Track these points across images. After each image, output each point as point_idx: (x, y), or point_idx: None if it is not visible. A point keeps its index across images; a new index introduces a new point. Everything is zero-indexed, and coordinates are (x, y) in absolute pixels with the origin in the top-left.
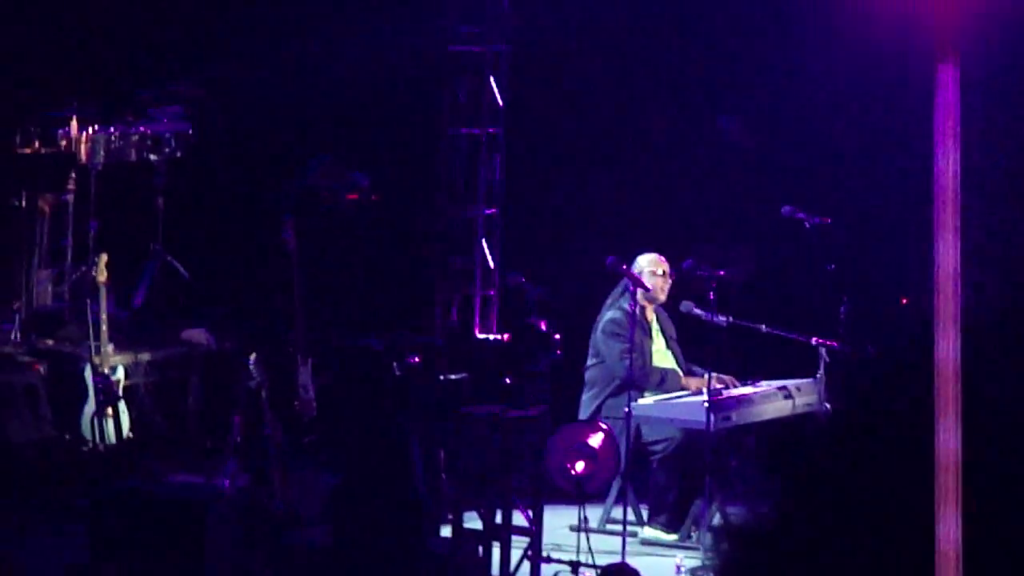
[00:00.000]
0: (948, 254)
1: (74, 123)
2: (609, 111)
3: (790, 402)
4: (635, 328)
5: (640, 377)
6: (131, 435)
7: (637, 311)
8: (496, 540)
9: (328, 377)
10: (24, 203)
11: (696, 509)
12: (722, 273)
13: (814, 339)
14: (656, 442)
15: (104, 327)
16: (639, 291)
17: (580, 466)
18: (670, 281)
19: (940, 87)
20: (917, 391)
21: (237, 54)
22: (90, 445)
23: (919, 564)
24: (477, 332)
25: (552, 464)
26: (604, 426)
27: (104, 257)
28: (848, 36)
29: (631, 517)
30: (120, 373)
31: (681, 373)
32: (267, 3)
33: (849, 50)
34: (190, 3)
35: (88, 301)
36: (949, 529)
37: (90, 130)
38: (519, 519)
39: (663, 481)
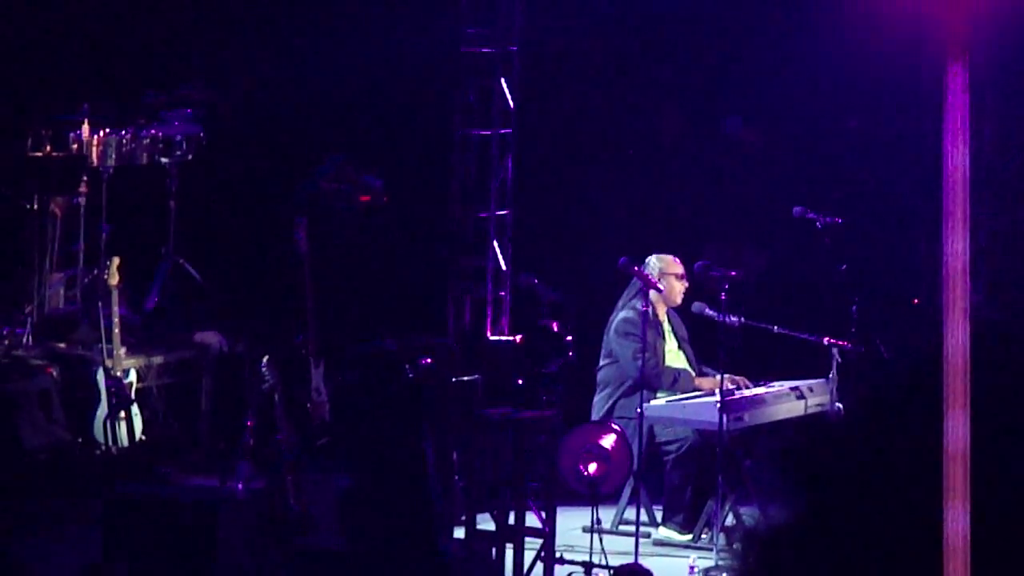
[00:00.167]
0: (957, 245)
1: (85, 126)
2: (620, 112)
3: (802, 402)
4: (648, 328)
5: (653, 377)
6: (143, 438)
7: (650, 311)
8: (509, 541)
9: (341, 379)
10: (36, 206)
11: (709, 509)
12: (734, 274)
13: (826, 339)
14: (669, 442)
15: (116, 330)
16: (653, 292)
17: (593, 467)
18: (686, 284)
19: (950, 79)
20: (930, 391)
21: (248, 57)
22: (103, 448)
23: (931, 563)
24: (489, 334)
25: (565, 465)
26: (617, 427)
27: (116, 260)
28: (858, 35)
29: (644, 518)
30: (132, 376)
31: (693, 374)
32: (278, 6)
33: (859, 49)
34: (201, 6)
35: (100, 304)
36: (958, 522)
37: (101, 133)
38: (532, 520)
39: (677, 481)
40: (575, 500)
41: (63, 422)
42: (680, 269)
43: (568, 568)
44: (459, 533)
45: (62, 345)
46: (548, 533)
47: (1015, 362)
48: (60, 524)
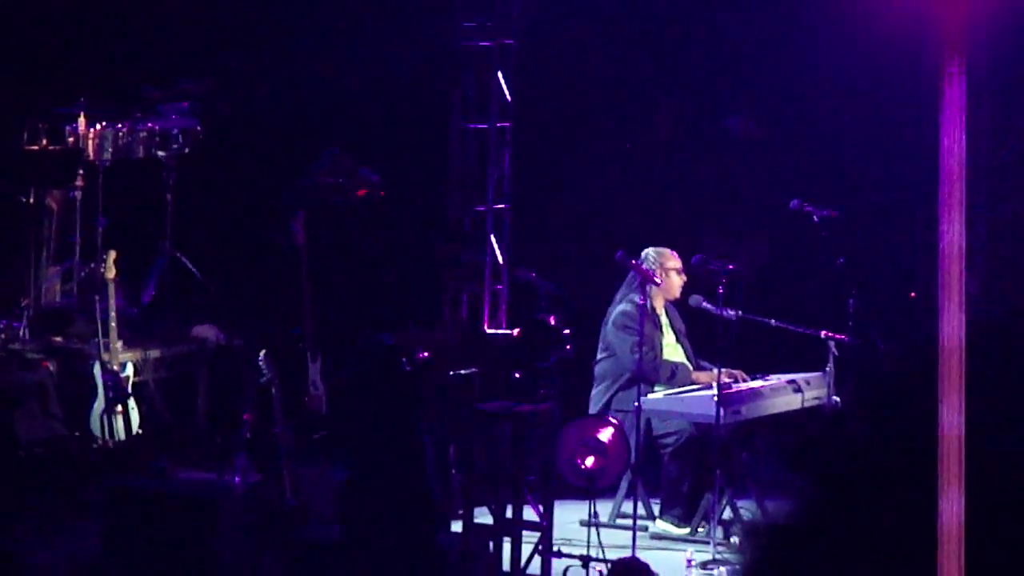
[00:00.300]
0: (953, 231)
1: (82, 120)
2: (618, 105)
3: (799, 396)
4: (645, 322)
5: (651, 371)
6: (140, 432)
7: (648, 305)
8: (507, 535)
9: (338, 373)
10: (32, 200)
11: (706, 503)
12: (731, 267)
13: (823, 332)
14: (667, 435)
15: (113, 324)
16: (651, 285)
17: (590, 461)
18: (684, 277)
19: (947, 70)
20: (926, 384)
21: (245, 51)
22: (100, 442)
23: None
24: (487, 327)
25: (562, 459)
26: (614, 420)
27: (113, 254)
28: (854, 27)
29: (641, 511)
30: (129, 370)
31: (691, 367)
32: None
33: (856, 41)
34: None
35: (97, 298)
36: (952, 507)
37: (98, 126)
38: (530, 514)
39: (675, 474)
40: (572, 494)
41: (60, 416)
42: (678, 262)
43: (566, 562)
44: (456, 527)
45: (59, 339)
46: (545, 527)
47: (1010, 352)
48: (57, 518)
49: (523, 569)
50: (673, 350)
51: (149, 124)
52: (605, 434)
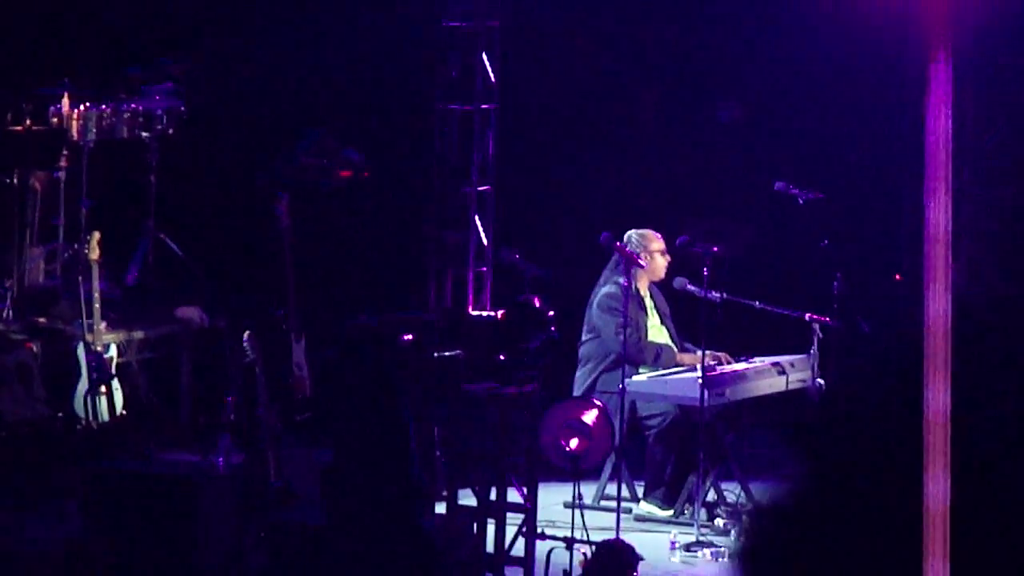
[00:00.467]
0: (939, 212)
1: (66, 100)
2: (603, 87)
3: (784, 378)
4: (630, 303)
5: (635, 353)
6: (124, 413)
7: (632, 286)
8: (491, 517)
9: (321, 354)
10: (15, 181)
11: (690, 485)
12: (716, 249)
13: (807, 315)
14: (651, 417)
15: (97, 305)
16: (636, 268)
17: (574, 443)
18: (668, 259)
19: (933, 54)
20: (910, 366)
21: (229, 31)
22: (83, 423)
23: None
24: (471, 309)
25: (546, 441)
26: (598, 402)
27: (97, 235)
28: (841, 9)
29: (625, 493)
30: (113, 351)
31: (676, 349)
32: None
33: (841, 24)
34: None
35: (80, 279)
36: (938, 488)
37: (82, 107)
38: (514, 496)
39: (659, 456)
40: (556, 475)
41: (43, 397)
42: (661, 244)
43: (549, 543)
44: (440, 508)
45: (42, 320)
46: (529, 508)
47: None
48: (40, 499)
49: (507, 551)
50: (658, 332)
51: (133, 105)
52: (589, 416)
